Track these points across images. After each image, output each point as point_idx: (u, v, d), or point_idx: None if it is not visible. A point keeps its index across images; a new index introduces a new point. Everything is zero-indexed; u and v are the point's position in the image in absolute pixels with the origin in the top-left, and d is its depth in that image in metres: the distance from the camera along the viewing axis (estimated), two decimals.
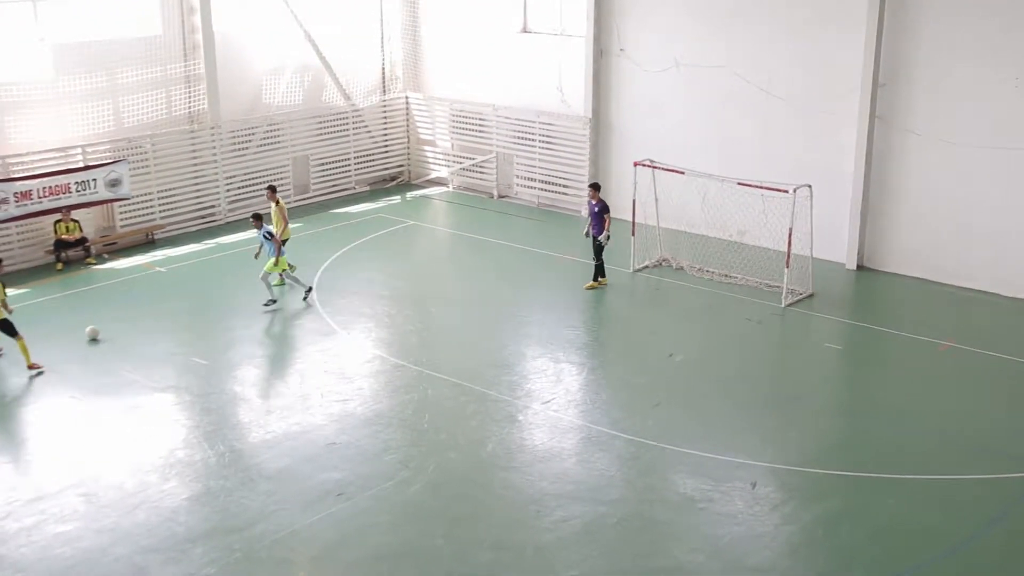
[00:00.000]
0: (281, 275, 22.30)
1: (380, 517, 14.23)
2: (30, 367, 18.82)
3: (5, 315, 19.05)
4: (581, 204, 27.89)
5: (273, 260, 21.79)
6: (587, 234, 22.61)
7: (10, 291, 22.67)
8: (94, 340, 20.06)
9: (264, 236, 21.81)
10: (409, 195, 31.09)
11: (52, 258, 24.81)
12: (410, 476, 15.21)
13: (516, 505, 14.47)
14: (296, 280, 22.35)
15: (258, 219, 22.24)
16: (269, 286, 21.99)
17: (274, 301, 21.86)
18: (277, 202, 23.30)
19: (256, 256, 22.31)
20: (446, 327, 21.31)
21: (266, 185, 25.06)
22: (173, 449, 16.05)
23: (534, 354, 19.64)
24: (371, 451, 15.96)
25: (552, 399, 17.58)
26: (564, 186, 28.96)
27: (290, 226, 23.72)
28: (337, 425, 16.77)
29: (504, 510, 14.39)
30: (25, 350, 18.88)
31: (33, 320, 20.86)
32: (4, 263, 23.97)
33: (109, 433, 16.65)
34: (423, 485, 14.99)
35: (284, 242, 22.85)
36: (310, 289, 22.28)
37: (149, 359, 19.33)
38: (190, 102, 27.60)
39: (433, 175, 32.15)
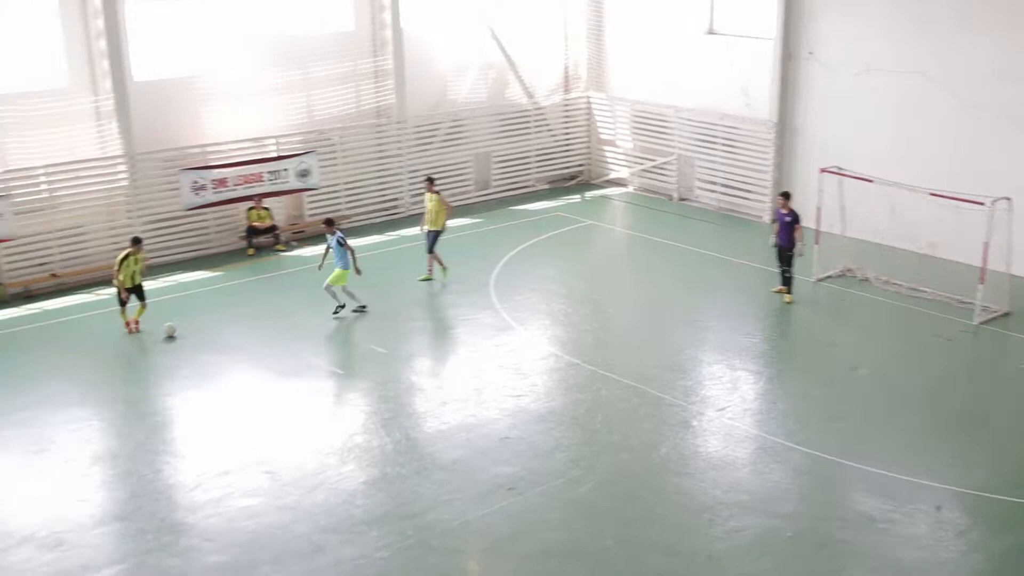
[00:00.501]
0: (328, 288, 21.12)
1: (550, 514, 14.27)
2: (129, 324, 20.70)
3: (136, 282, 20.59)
4: (763, 210, 27.38)
5: (343, 269, 21.00)
6: (774, 244, 22.02)
7: (205, 274, 23.91)
8: (171, 337, 20.39)
9: (338, 242, 21.04)
10: (588, 194, 31.10)
11: (244, 244, 25.84)
12: (581, 475, 15.21)
13: (688, 511, 14.30)
14: (345, 296, 21.33)
15: (330, 224, 21.40)
16: (339, 294, 21.21)
17: (363, 307, 21.47)
18: (437, 193, 23.53)
19: (319, 267, 21.57)
20: (621, 328, 21.23)
21: (424, 177, 24.88)
22: (352, 434, 16.49)
23: (710, 360, 19.36)
24: (543, 448, 16.02)
25: (727, 407, 17.29)
26: (746, 191, 28.44)
27: (450, 221, 23.85)
28: (510, 420, 16.90)
29: (676, 515, 14.24)
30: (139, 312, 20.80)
31: (225, 302, 21.79)
32: (180, 249, 25.20)
33: (293, 414, 17.22)
34: (594, 485, 14.97)
35: (439, 233, 23.10)
36: (341, 307, 21.26)
37: (332, 345, 19.93)
38: (378, 97, 28.31)
39: (612, 175, 32.07)
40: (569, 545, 13.55)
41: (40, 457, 15.92)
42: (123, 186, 24.40)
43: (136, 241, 20.81)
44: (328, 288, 21.09)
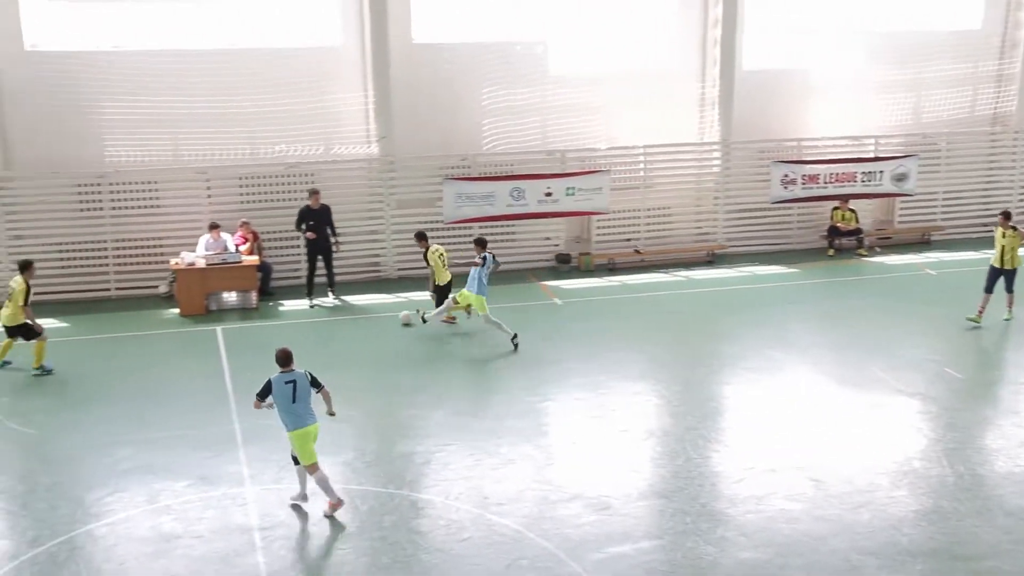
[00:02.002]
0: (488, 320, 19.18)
1: None
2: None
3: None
4: None
5: (478, 295, 19.00)
6: None
7: (780, 269, 23.70)
8: (407, 324, 20.16)
9: (482, 260, 19.12)
10: None
11: (824, 244, 25.28)
12: None
13: None
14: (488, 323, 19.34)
15: (481, 244, 19.59)
16: (500, 326, 19.24)
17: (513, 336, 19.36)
18: (1014, 228, 20.20)
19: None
20: None
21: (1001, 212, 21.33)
22: (909, 458, 15.33)
23: None
24: None
25: None
26: None
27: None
28: None
29: None
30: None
31: (796, 300, 21.42)
32: (759, 241, 25.02)
33: (848, 425, 16.42)
34: None
35: (1015, 272, 20.23)
36: (515, 337, 19.33)
37: (901, 361, 18.75)
38: (997, 102, 26.20)
39: None
40: None
41: (599, 423, 16.64)
42: (714, 172, 24.89)
43: (421, 236, 20.50)
44: (488, 321, 19.31)
